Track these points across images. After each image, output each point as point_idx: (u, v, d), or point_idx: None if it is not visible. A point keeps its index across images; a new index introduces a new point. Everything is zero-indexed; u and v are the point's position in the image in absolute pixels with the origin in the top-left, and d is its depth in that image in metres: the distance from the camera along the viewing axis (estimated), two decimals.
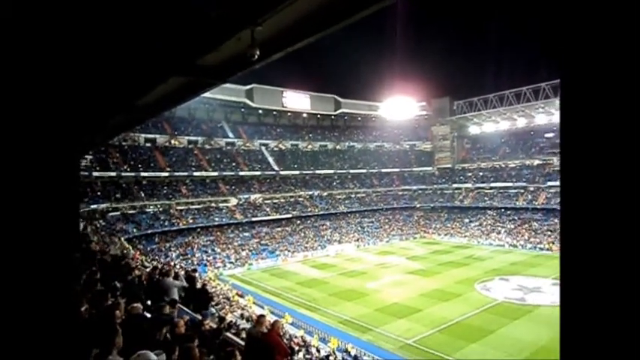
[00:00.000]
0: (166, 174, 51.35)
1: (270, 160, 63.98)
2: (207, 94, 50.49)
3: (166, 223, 46.68)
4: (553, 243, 49.85)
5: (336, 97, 72.55)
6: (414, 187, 73.76)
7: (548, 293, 31.51)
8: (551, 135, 65.23)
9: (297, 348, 18.71)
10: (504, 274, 37.69)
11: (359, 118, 78.14)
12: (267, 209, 57.13)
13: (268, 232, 54.91)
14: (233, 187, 57.28)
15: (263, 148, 65.57)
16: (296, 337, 21.81)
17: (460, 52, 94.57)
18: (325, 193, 66.28)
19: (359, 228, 63.03)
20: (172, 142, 56.56)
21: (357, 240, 58.24)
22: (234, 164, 59.11)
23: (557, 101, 54.96)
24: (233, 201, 55.43)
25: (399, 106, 74.88)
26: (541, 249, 49.74)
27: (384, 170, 74.49)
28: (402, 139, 79.86)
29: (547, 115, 60.51)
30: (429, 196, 71.97)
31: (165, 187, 51.26)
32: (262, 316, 7.62)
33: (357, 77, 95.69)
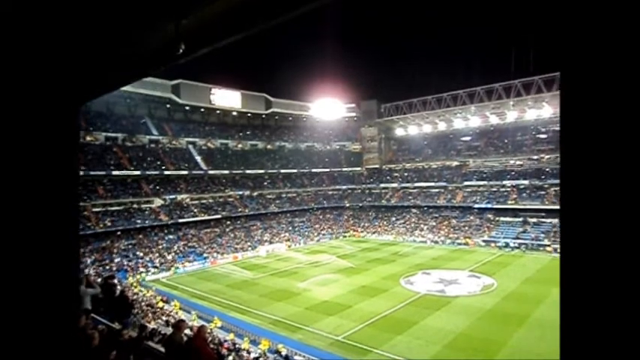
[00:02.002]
0: (80, 173, 46.94)
1: (198, 158, 61.56)
2: (128, 88, 47.17)
3: (80, 227, 42.71)
4: (469, 238, 54.17)
5: (267, 96, 71.95)
6: (344, 187, 75.65)
7: (464, 284, 34.14)
8: (467, 138, 70.87)
9: (226, 352, 18.15)
10: (426, 269, 40.05)
11: (290, 118, 78.21)
12: (195, 210, 54.89)
13: (196, 233, 52.78)
14: (157, 187, 54.17)
15: (190, 146, 62.86)
16: (226, 340, 21.16)
17: (387, 58, 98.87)
18: (256, 193, 65.36)
19: (290, 228, 63.07)
20: (87, 138, 51.94)
21: (288, 240, 58.22)
22: (158, 163, 55.88)
23: (472, 107, 59.66)
24: (157, 202, 52.43)
25: (329, 108, 76.38)
26: (459, 244, 53.75)
27: (314, 170, 75.37)
28: (332, 139, 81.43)
29: (464, 120, 65.44)
30: (358, 195, 74.26)
31: (79, 188, 46.80)
32: (181, 321, 7.22)
33: (288, 77, 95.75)
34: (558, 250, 45.83)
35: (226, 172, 63.26)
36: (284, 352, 21.17)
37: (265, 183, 68.65)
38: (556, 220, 51.51)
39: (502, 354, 20.71)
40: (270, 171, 69.79)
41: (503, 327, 24.18)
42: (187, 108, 64.51)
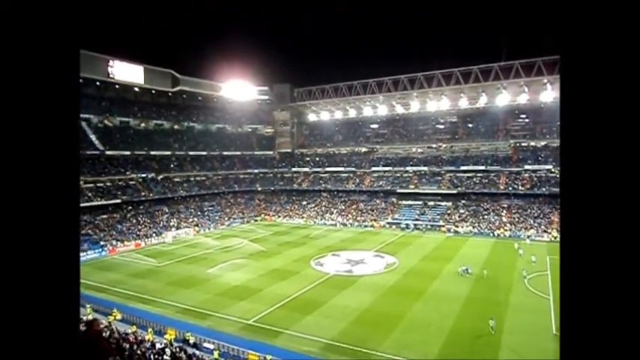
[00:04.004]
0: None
1: (93, 137, 55.56)
2: None
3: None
4: (375, 220, 57.50)
5: (174, 72, 67.09)
6: (256, 171, 74.71)
7: (370, 264, 36.29)
8: (375, 126, 74.47)
9: (127, 346, 16.95)
10: (336, 250, 41.67)
11: (199, 98, 74.21)
12: (90, 194, 49.76)
13: (91, 220, 48.00)
14: None
15: (83, 123, 56.38)
16: (127, 334, 19.74)
17: (300, 42, 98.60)
18: (161, 176, 61.39)
19: (199, 212, 60.67)
20: None
21: (197, 225, 56.02)
22: None
23: (380, 96, 62.58)
24: None
25: (241, 89, 74.12)
26: (365, 226, 56.79)
27: (225, 153, 73.04)
28: (244, 122, 79.47)
29: (372, 109, 68.42)
30: (270, 179, 74.00)
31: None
32: None
33: (198, 55, 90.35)
34: (452, 230, 50.68)
35: (127, 152, 58.26)
36: (192, 340, 20.50)
37: (172, 165, 64.78)
38: (450, 203, 57.13)
39: (402, 325, 22.56)
40: (177, 153, 65.94)
41: (404, 301, 26.28)
42: (80, 80, 57.47)
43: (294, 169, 74.38)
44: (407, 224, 54.73)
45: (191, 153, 67.88)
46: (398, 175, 64.78)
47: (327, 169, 71.37)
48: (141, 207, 55.43)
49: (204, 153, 69.94)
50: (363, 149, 72.19)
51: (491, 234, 48.92)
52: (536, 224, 49.08)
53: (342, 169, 70.13)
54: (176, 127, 70.07)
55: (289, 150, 77.99)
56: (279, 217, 64.87)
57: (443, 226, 52.64)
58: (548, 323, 22.11)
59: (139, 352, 16.42)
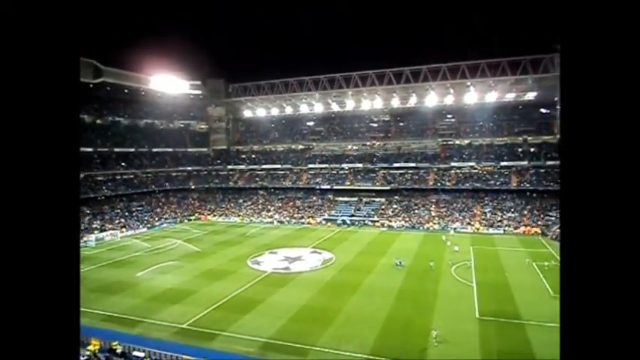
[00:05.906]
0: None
1: None
2: None
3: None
4: (312, 217, 58.00)
5: (95, 62, 61.76)
6: (189, 168, 71.79)
7: (307, 260, 36.53)
8: (311, 123, 74.99)
9: None
10: (273, 248, 41.40)
11: (126, 91, 69.10)
12: None
13: None
14: None
15: None
16: None
17: (234, 36, 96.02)
18: (82, 175, 56.62)
19: (126, 213, 56.96)
20: None
21: (124, 226, 52.55)
22: None
23: (317, 94, 63.03)
24: None
25: (172, 83, 70.44)
26: (302, 223, 57.07)
27: (155, 150, 69.19)
28: (175, 117, 75.76)
29: (309, 106, 68.81)
30: (204, 177, 71.54)
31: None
32: None
33: (124, 45, 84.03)
34: (385, 225, 52.60)
35: None
36: (119, 350, 19.16)
37: (95, 163, 59.99)
38: (384, 199, 59.31)
39: (339, 319, 22.99)
40: (100, 149, 61.16)
41: (340, 295, 26.81)
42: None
43: (229, 167, 72.59)
44: (343, 220, 55.91)
45: (116, 149, 63.41)
46: (334, 172, 65.89)
47: (264, 166, 70.61)
48: None
49: (131, 150, 65.69)
50: (300, 146, 72.44)
51: (422, 227, 51.63)
52: (460, 217, 52.66)
53: (278, 166, 69.77)
54: (99, 121, 65.07)
55: (224, 147, 75.95)
56: (214, 215, 62.98)
57: (377, 221, 54.53)
58: (471, 307, 23.94)
59: None
